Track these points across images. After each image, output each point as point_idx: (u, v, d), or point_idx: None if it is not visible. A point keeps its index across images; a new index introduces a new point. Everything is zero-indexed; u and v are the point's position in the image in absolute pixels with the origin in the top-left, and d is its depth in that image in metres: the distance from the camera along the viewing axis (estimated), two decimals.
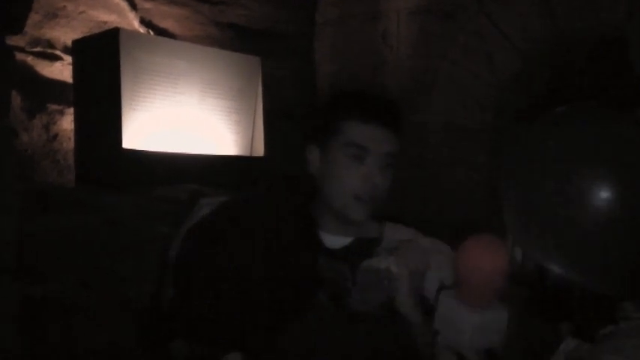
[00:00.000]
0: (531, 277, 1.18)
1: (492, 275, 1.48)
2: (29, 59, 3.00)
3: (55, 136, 3.06)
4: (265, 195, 1.81)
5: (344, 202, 1.77)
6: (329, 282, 1.72)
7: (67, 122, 3.09)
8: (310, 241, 1.74)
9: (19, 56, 2.90)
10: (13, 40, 2.65)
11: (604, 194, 1.08)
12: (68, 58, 3.09)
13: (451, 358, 1.51)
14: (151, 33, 3.38)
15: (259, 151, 3.48)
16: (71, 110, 3.07)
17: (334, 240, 1.80)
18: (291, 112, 3.89)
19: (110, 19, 3.25)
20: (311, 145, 1.84)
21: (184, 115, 3.12)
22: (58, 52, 3.09)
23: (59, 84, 3.08)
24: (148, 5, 3.40)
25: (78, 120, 3.04)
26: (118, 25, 3.16)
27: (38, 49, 3.03)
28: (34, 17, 2.94)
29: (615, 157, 1.10)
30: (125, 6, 3.31)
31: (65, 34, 3.10)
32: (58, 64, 3.09)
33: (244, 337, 1.61)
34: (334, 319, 1.69)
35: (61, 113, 3.08)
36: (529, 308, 1.22)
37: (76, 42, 3.06)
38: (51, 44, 3.07)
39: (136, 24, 3.34)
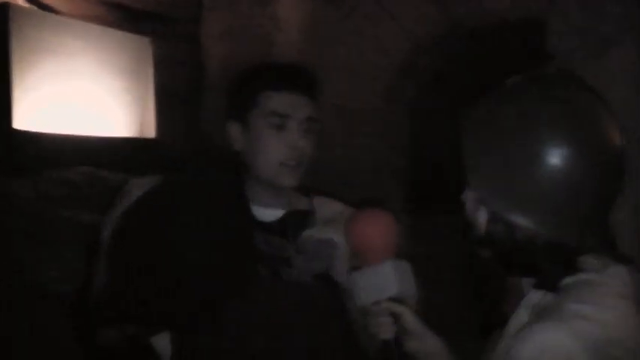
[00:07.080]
0: (499, 236, 1.28)
1: (380, 243, 1.53)
2: None
3: None
4: (197, 174, 1.80)
5: (272, 170, 1.78)
6: (267, 256, 1.73)
7: None
8: (244, 217, 1.75)
9: None
10: None
11: (559, 153, 1.20)
12: None
13: (386, 319, 1.55)
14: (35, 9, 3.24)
15: (150, 132, 3.44)
16: None
17: (266, 213, 1.81)
18: (182, 93, 3.84)
19: None
20: (231, 121, 1.83)
21: (76, 95, 3.04)
22: None
23: None
24: None
25: None
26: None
27: None
28: None
29: (567, 121, 1.22)
30: None
31: None
32: None
33: (179, 316, 1.60)
34: (274, 293, 1.70)
35: None
36: (494, 266, 1.31)
37: None
38: None
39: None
